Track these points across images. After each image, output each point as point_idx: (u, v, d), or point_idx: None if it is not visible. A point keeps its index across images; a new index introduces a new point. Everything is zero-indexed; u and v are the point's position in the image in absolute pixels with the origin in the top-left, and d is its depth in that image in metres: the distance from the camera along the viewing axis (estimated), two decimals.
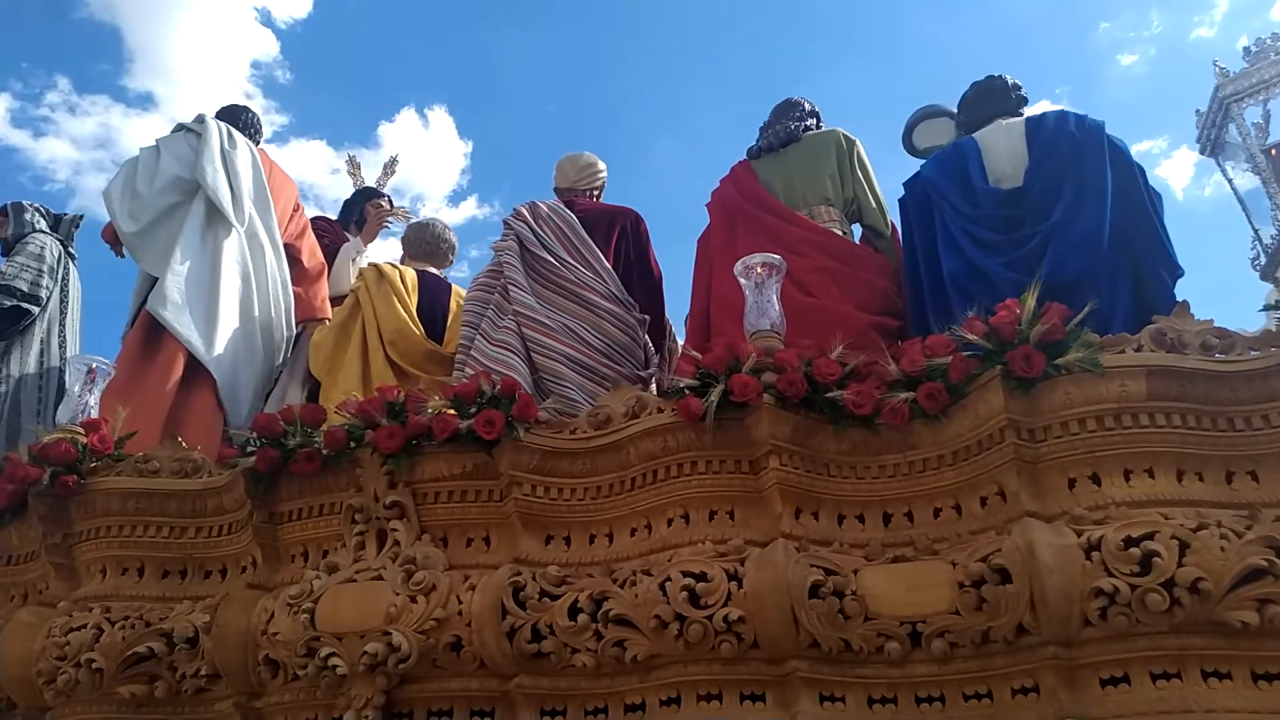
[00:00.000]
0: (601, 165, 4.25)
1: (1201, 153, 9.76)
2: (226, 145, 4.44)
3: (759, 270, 3.03)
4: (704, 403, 2.75)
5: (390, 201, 5.92)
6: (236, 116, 4.79)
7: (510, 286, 3.68)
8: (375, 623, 2.77)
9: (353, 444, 3.06)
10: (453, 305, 4.31)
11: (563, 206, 3.97)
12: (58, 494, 3.24)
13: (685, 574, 2.63)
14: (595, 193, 4.21)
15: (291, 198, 4.78)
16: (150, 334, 3.93)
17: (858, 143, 3.81)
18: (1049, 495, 2.60)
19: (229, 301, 4.07)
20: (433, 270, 4.50)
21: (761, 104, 4.06)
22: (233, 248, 4.19)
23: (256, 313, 4.17)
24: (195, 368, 3.90)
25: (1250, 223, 9.39)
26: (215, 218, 4.23)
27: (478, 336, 3.61)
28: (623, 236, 3.92)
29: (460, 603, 2.80)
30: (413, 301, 4.16)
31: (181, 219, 4.18)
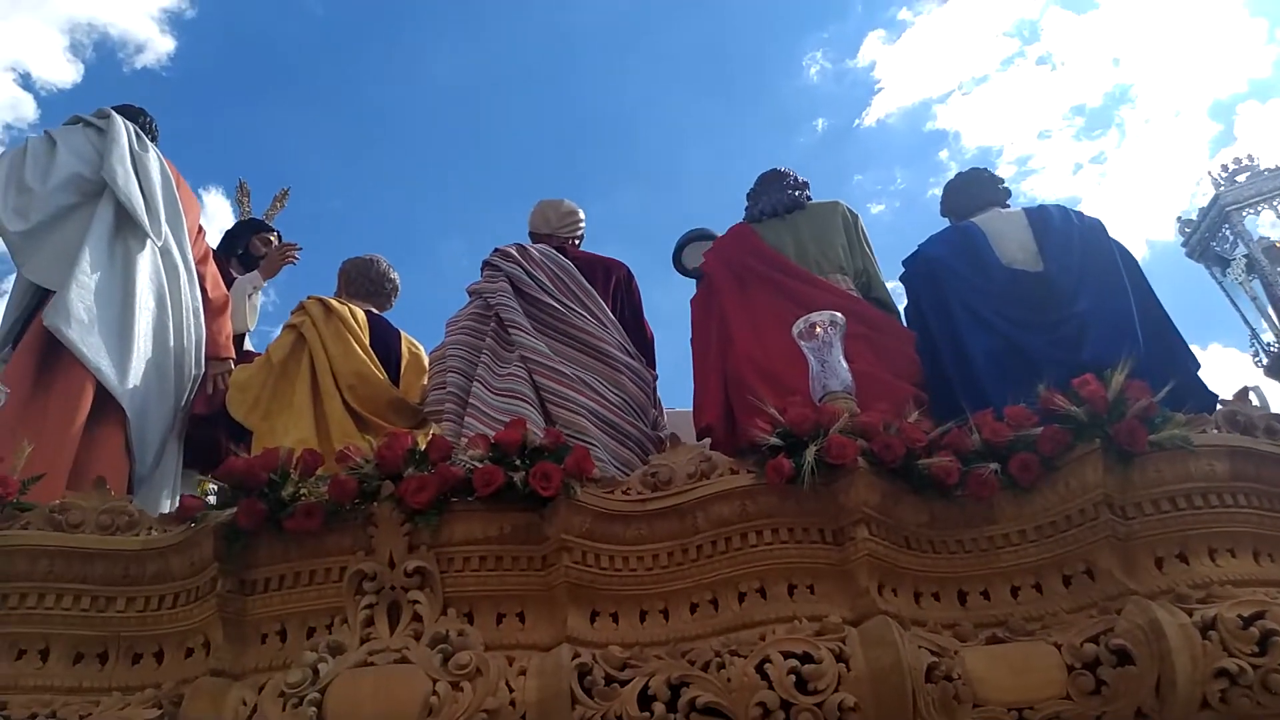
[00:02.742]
0: (582, 213, 4.00)
1: (1189, 256, 10.90)
2: (136, 146, 3.77)
3: (823, 330, 2.87)
4: (795, 464, 2.52)
5: (279, 236, 5.31)
6: (134, 117, 4.09)
7: (512, 330, 3.30)
8: (409, 717, 2.26)
9: (362, 498, 2.55)
10: (404, 350, 3.82)
11: (555, 251, 3.66)
12: None
13: (787, 655, 2.34)
14: (577, 241, 3.93)
15: (197, 217, 4.12)
16: (45, 355, 3.18)
17: (859, 217, 3.80)
18: (1139, 574, 2.55)
19: (143, 326, 3.38)
20: (375, 310, 4.00)
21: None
22: (146, 263, 3.51)
23: (171, 342, 3.49)
24: (103, 401, 3.18)
25: (1246, 323, 10.54)
26: (125, 227, 3.54)
27: (475, 384, 3.19)
28: (618, 289, 3.66)
29: (512, 690, 2.35)
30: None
31: (82, 224, 3.46)
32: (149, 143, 3.86)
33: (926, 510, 2.66)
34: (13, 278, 3.45)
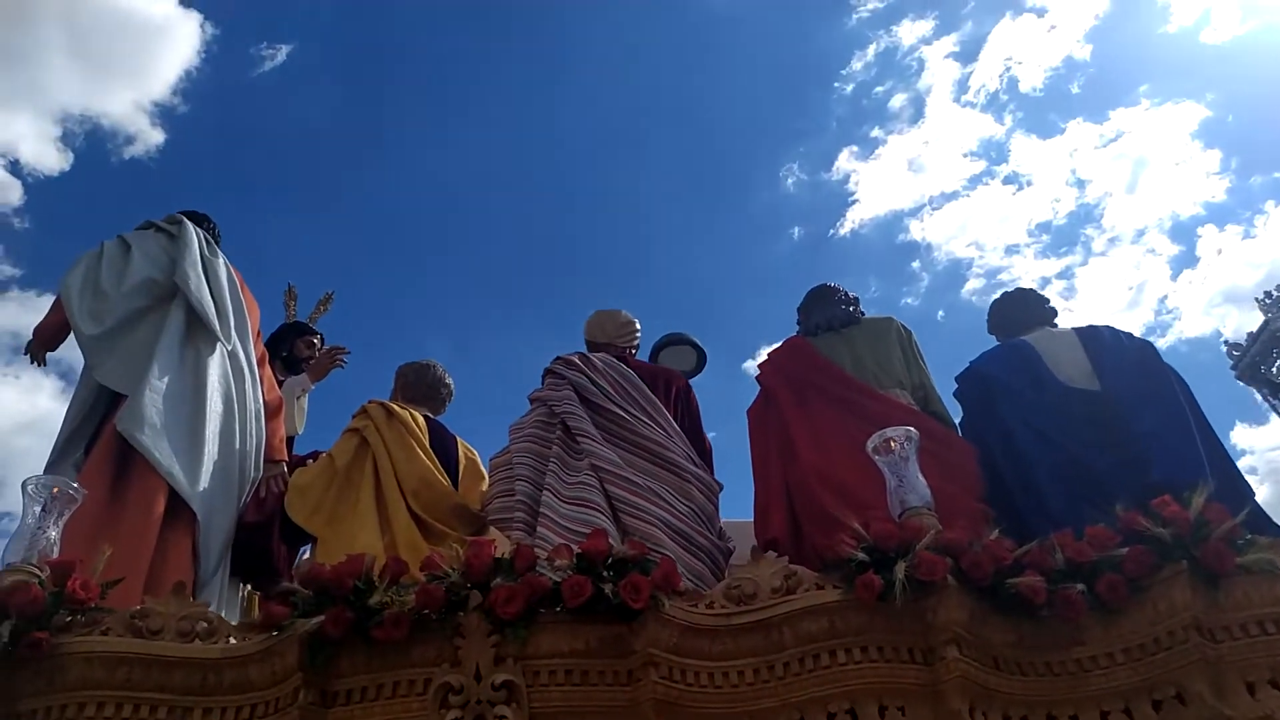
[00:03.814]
0: (638, 323, 4.08)
1: (1238, 379, 11.04)
2: (207, 252, 3.86)
3: (898, 445, 2.91)
4: (884, 581, 2.52)
5: (322, 339, 5.37)
6: (201, 223, 4.20)
7: (580, 438, 3.32)
8: None
9: (449, 607, 2.53)
10: (461, 455, 3.83)
11: (617, 361, 3.72)
12: (22, 656, 2.43)
13: None
14: (633, 351, 4.00)
15: (258, 320, 4.19)
16: (119, 459, 3.18)
17: (913, 332, 3.89)
18: (1230, 698, 2.53)
19: (212, 429, 3.39)
20: (430, 415, 4.02)
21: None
22: (215, 367, 3.55)
23: (236, 445, 3.50)
24: (173, 504, 3.17)
25: None
26: (196, 331, 3.60)
27: (545, 493, 3.19)
28: (678, 399, 3.71)
29: None
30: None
31: (154, 328, 3.52)
32: (218, 248, 3.95)
33: (1013, 630, 2.64)
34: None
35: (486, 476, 3.82)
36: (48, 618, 2.49)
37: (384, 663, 2.52)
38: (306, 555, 4.67)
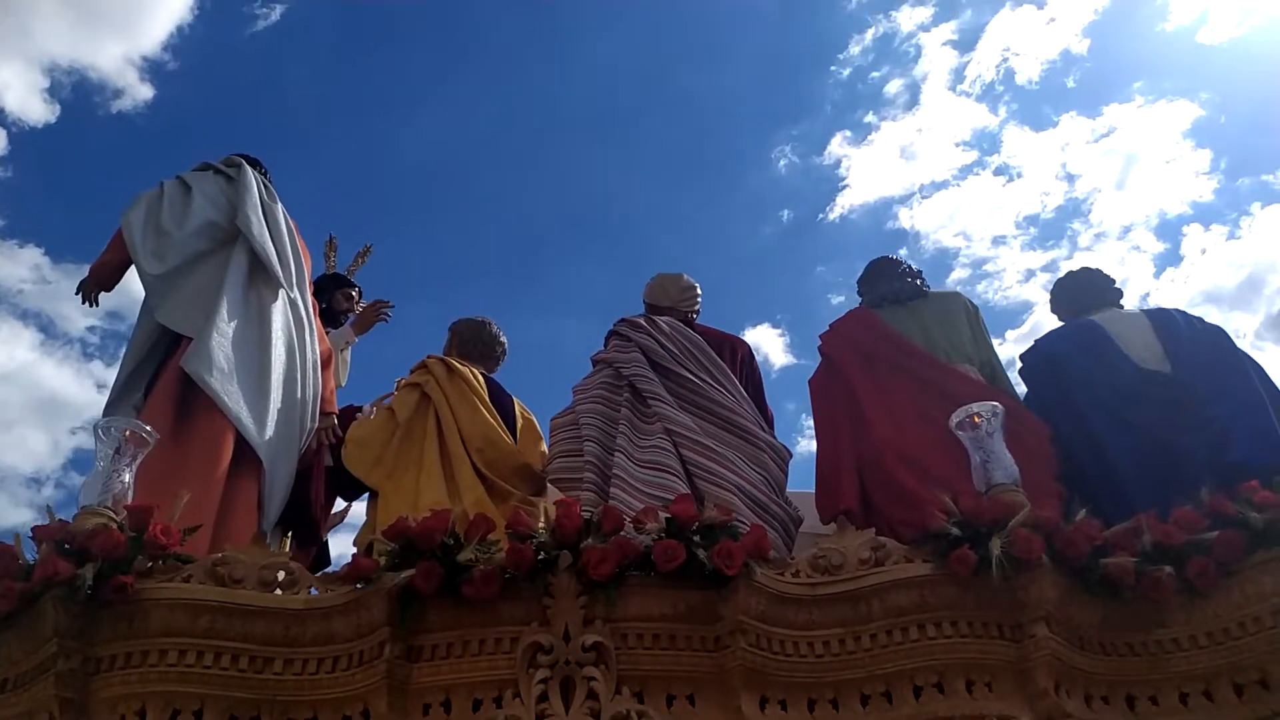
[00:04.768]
0: (699, 287, 4.02)
1: None
2: (266, 198, 3.77)
3: (984, 421, 2.87)
4: (978, 557, 2.50)
5: (360, 292, 5.30)
6: (255, 166, 4.09)
7: (652, 401, 3.28)
8: None
9: (538, 567, 2.50)
10: (518, 415, 3.79)
11: (683, 325, 3.67)
12: (104, 601, 2.39)
13: None
14: (695, 315, 3.94)
15: (310, 271, 4.11)
16: (182, 401, 3.12)
17: (979, 309, 3.84)
18: None
19: (276, 377, 3.33)
20: (485, 373, 3.96)
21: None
22: (279, 314, 3.48)
23: (298, 394, 3.44)
24: (238, 452, 3.11)
25: None
26: (259, 276, 3.52)
27: (617, 455, 3.15)
28: (742, 365, 3.66)
29: None
30: None
31: (217, 271, 3.44)
32: (275, 194, 3.87)
33: (1098, 610, 2.64)
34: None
35: (543, 437, 3.78)
36: (128, 562, 2.45)
37: (472, 619, 2.49)
38: (344, 507, 4.65)
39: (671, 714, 2.46)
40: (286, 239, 3.72)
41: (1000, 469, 2.80)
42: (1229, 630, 2.61)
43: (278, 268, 3.53)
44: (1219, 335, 3.54)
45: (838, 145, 16.87)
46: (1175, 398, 3.33)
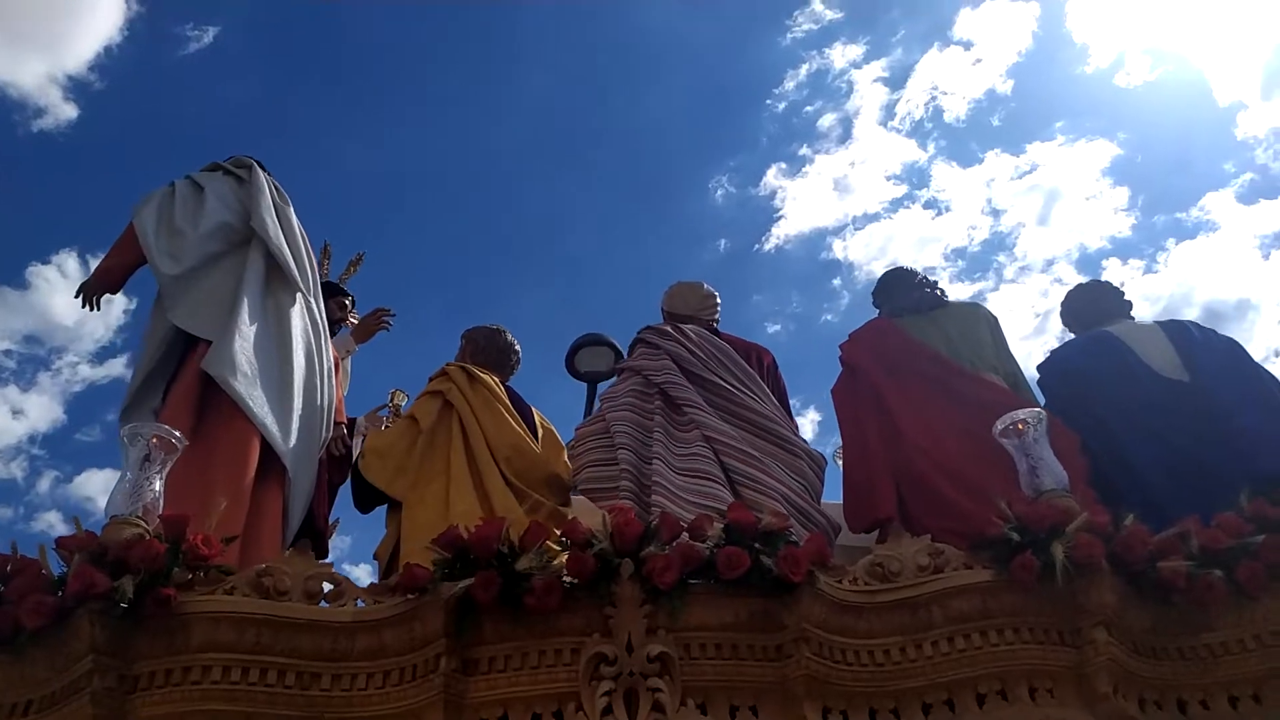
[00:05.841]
0: (718, 296, 3.98)
1: None
2: (278, 199, 3.66)
3: (1028, 428, 2.88)
4: (1040, 562, 2.49)
5: (353, 301, 5.17)
6: (262, 169, 3.96)
7: (687, 408, 3.23)
8: None
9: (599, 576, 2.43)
10: (538, 424, 3.70)
11: (709, 333, 3.63)
12: (144, 615, 2.26)
13: None
14: (716, 323, 3.90)
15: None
16: (203, 407, 2.98)
17: (999, 320, 3.87)
18: None
19: (298, 383, 3.21)
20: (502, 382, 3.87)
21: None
22: (298, 319, 3.36)
23: (318, 401, 3.32)
24: (261, 460, 2.99)
25: None
26: (275, 280, 3.40)
27: (656, 463, 3.09)
28: (769, 373, 3.64)
29: None
30: None
31: (233, 273, 3.31)
32: (286, 196, 3.75)
33: (1150, 615, 2.64)
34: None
35: (564, 446, 3.71)
36: (167, 574, 2.32)
37: (530, 630, 2.41)
38: (334, 520, 4.51)
39: None
40: (301, 242, 3.60)
41: (1049, 475, 2.80)
42: (1277, 633, 2.63)
43: (295, 271, 3.41)
44: (1234, 346, 3.62)
45: (773, 177, 17.15)
46: (1198, 407, 3.38)
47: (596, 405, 6.23)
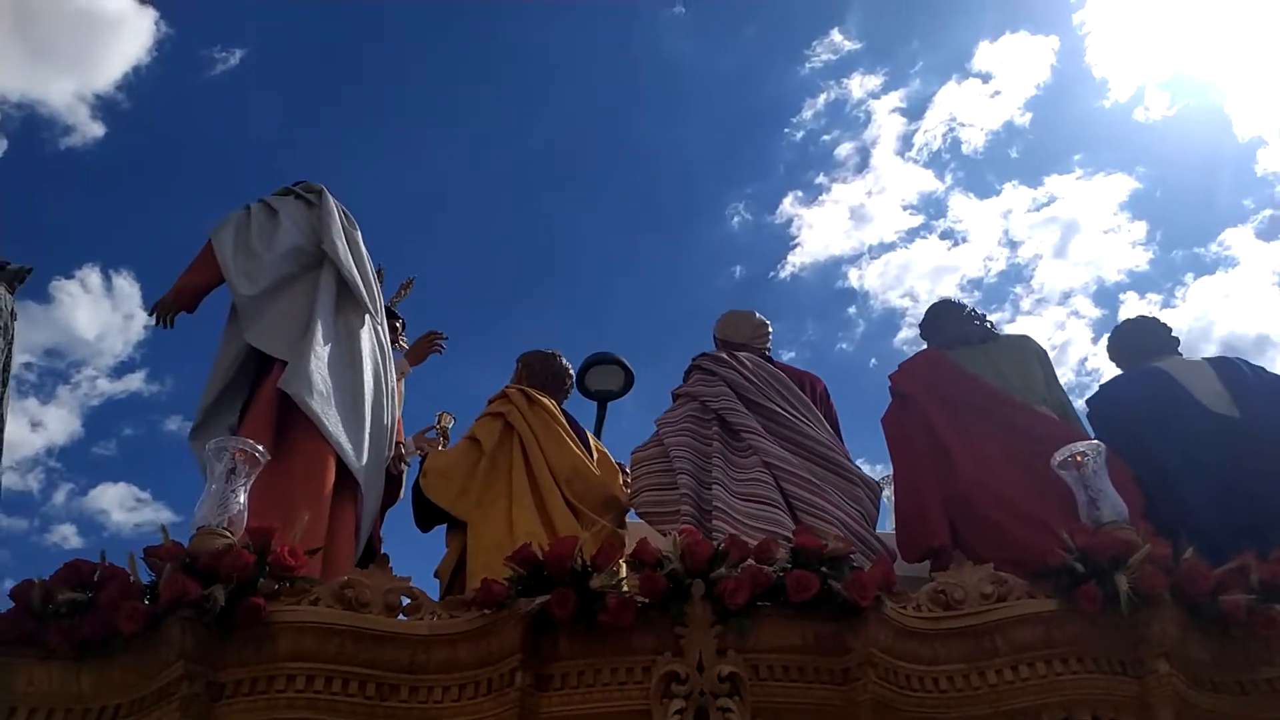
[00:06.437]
0: (770, 324, 4.06)
1: None
2: (347, 224, 3.77)
3: (1089, 460, 2.92)
4: (1105, 593, 2.53)
5: (403, 324, 5.28)
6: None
7: (745, 435, 3.29)
8: None
9: (670, 596, 2.48)
10: (593, 446, 3.78)
11: (764, 361, 3.70)
12: (233, 623, 2.33)
13: None
14: (767, 351, 3.97)
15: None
16: (279, 424, 3.08)
17: (1048, 352, 3.92)
18: None
19: (368, 404, 3.30)
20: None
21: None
22: (367, 340, 3.47)
23: (385, 421, 3.41)
24: (335, 477, 3.07)
25: None
26: (346, 301, 3.51)
27: (716, 488, 3.15)
28: (822, 400, 3.70)
29: None
30: None
31: (306, 295, 3.42)
32: (355, 220, 3.86)
33: (1209, 648, 2.67)
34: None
35: (619, 470, 3.77)
36: (254, 584, 2.40)
37: (604, 647, 2.46)
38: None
39: None
40: (367, 265, 3.71)
41: (1109, 506, 2.84)
42: None
43: (365, 294, 3.52)
44: None
45: (790, 205, 17.22)
46: (1248, 443, 3.41)
47: (606, 423, 6.39)
